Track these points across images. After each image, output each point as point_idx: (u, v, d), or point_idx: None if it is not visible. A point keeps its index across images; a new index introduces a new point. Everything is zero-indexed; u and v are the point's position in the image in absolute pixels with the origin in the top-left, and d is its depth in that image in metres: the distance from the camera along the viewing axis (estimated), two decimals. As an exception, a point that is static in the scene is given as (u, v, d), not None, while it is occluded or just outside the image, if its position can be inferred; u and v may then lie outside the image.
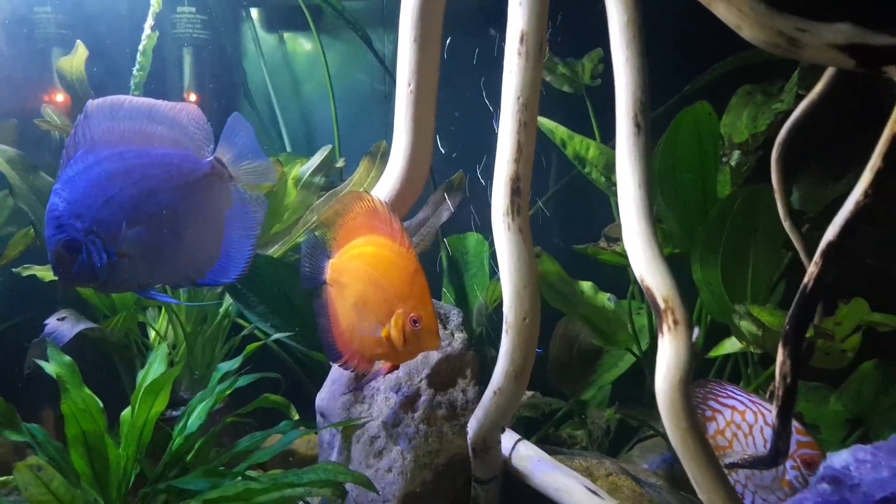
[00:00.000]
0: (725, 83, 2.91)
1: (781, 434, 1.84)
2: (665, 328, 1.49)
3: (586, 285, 2.93)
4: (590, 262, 2.89)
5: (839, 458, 1.93)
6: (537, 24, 1.73)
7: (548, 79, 2.98)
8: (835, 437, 2.69)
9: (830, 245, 1.62)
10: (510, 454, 2.12)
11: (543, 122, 2.76)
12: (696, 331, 2.53)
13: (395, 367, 1.97)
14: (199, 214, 1.84)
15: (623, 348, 2.86)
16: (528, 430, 3.03)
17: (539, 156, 2.43)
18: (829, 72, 1.96)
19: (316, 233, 1.98)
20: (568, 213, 3.38)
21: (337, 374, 2.27)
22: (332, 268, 1.90)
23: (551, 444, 2.83)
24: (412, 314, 1.78)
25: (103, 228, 1.70)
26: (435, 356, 2.21)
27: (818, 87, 1.99)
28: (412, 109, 2.09)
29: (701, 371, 2.91)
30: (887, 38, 1.52)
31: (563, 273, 2.93)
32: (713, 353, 2.58)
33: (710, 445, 1.52)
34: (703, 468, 1.49)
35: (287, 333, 2.40)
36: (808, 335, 2.18)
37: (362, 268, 1.85)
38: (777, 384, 1.79)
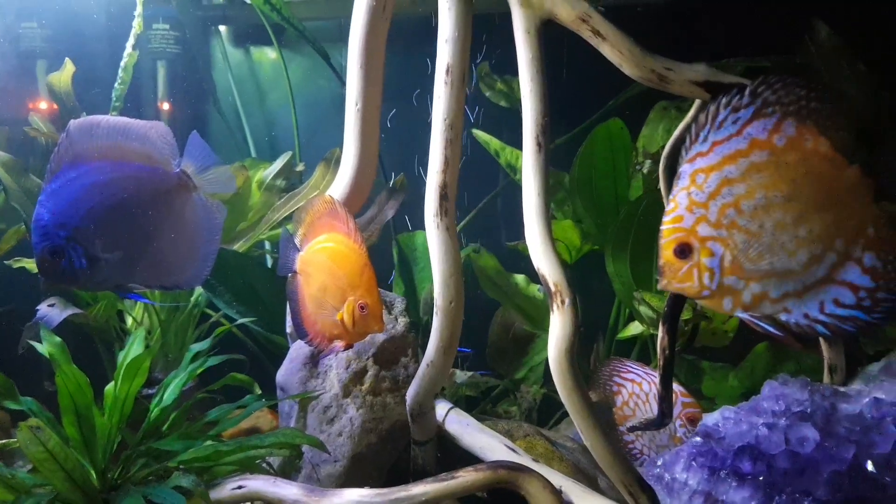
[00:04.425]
0: (645, 99, 3.29)
1: (664, 398, 2.22)
2: (555, 307, 1.86)
3: (520, 278, 3.30)
4: (522, 257, 3.26)
5: (711, 418, 2.35)
6: (460, 58, 2.09)
7: (487, 94, 3.35)
8: (730, 409, 3.10)
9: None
10: (444, 420, 2.48)
11: (479, 134, 3.13)
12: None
13: (349, 346, 2.29)
14: (168, 222, 2.04)
15: (551, 333, 3.23)
16: (468, 406, 3.39)
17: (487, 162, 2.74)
18: (697, 101, 2.35)
19: (289, 228, 2.25)
20: (507, 213, 3.74)
21: (295, 354, 2.61)
22: (301, 260, 2.20)
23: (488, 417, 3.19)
24: (360, 301, 2.10)
25: (83, 236, 1.92)
26: (381, 337, 2.55)
27: (691, 112, 2.38)
28: (359, 125, 2.43)
29: (623, 352, 3.30)
30: (733, 77, 1.91)
31: (499, 267, 3.30)
32: (621, 336, 2.98)
33: (591, 400, 1.89)
34: (586, 419, 1.87)
35: (251, 319, 2.72)
36: (689, 317, 2.59)
37: (324, 260, 2.16)
38: (658, 356, 2.17)
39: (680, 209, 1.62)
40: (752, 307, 1.63)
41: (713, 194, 1.59)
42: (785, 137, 1.59)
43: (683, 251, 1.61)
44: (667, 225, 1.62)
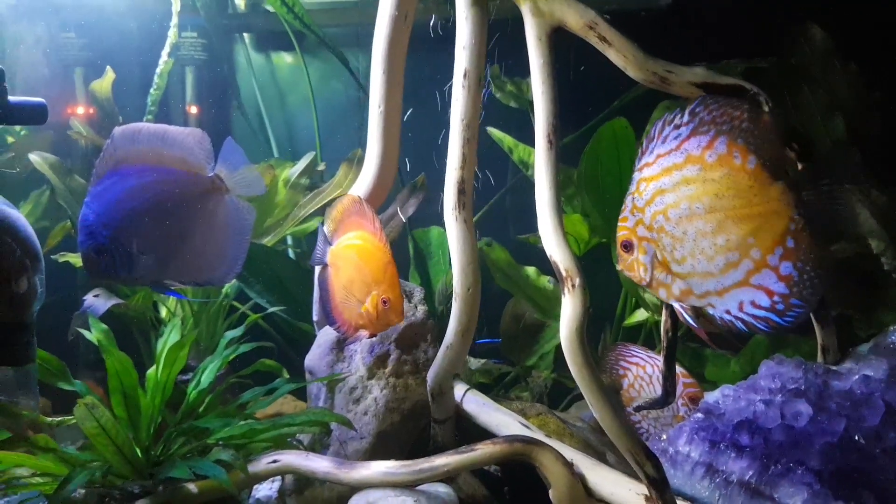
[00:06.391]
0: (648, 99, 3.44)
1: (668, 378, 2.39)
2: (566, 290, 2.03)
3: (530, 270, 3.47)
4: (533, 250, 3.42)
5: (712, 396, 2.51)
6: (476, 63, 2.26)
7: (497, 95, 3.52)
8: (732, 393, 3.25)
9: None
10: (461, 400, 2.65)
11: (494, 132, 3.30)
12: None
13: (373, 335, 2.46)
14: (203, 222, 2.19)
15: (561, 322, 3.40)
16: (482, 392, 3.56)
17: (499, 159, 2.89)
18: (697, 100, 2.51)
19: (322, 224, 2.43)
20: (518, 207, 3.91)
21: (322, 339, 2.79)
22: (332, 253, 2.37)
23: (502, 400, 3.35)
24: (383, 296, 2.26)
25: (125, 235, 2.07)
26: (402, 324, 2.72)
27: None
28: (382, 125, 2.61)
29: (630, 339, 3.46)
30: (729, 79, 2.08)
31: (511, 260, 3.47)
32: (627, 322, 3.14)
33: (600, 376, 2.05)
34: (595, 393, 2.03)
35: (280, 308, 2.91)
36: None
37: (351, 256, 2.33)
38: (662, 338, 2.34)
39: (626, 211, 1.89)
40: (681, 299, 1.90)
41: (649, 202, 1.85)
42: (716, 154, 1.80)
43: (627, 246, 1.91)
44: (619, 222, 1.90)
